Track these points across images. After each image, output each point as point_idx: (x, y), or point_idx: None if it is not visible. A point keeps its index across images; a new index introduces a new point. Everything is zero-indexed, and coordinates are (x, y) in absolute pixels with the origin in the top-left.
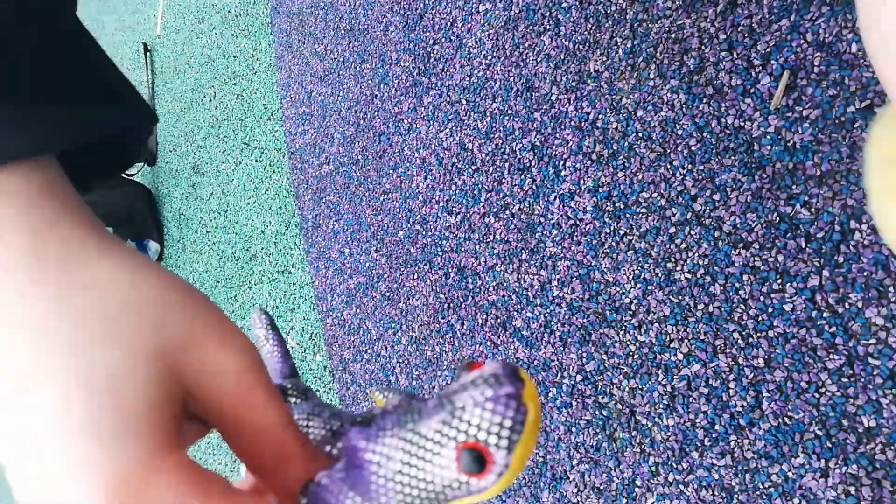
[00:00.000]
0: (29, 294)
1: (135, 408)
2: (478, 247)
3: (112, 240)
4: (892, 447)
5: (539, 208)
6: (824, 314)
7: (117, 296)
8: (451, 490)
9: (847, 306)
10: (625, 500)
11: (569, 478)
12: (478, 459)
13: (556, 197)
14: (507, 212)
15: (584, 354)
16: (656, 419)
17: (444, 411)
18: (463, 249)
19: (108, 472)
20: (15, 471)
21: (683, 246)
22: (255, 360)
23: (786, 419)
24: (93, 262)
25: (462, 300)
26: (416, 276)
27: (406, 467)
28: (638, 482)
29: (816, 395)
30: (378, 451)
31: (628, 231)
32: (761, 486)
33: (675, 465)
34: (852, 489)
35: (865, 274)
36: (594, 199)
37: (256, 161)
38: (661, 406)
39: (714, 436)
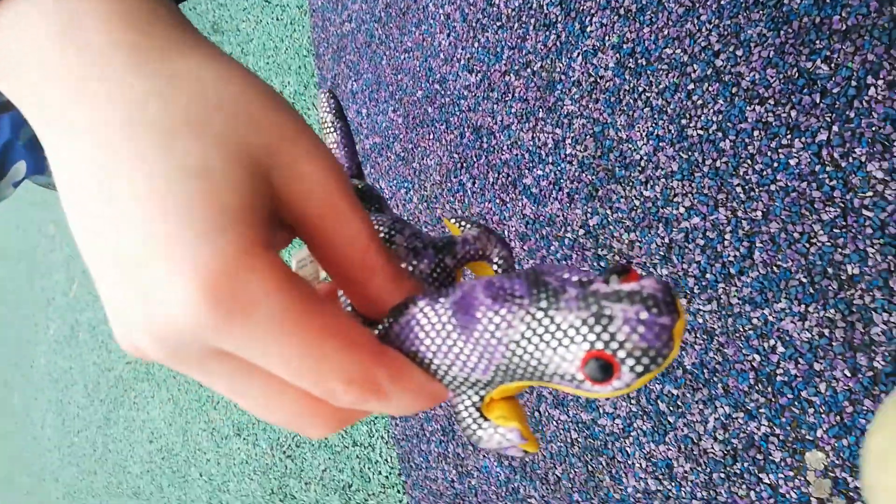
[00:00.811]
0: (129, 77)
1: (230, 201)
2: (496, 106)
3: (203, 38)
4: (870, 293)
5: (561, 65)
6: (827, 168)
7: (215, 88)
8: (559, 378)
9: (851, 160)
10: None
11: None
12: (605, 370)
13: (579, 54)
14: (529, 69)
15: (590, 210)
16: (651, 269)
17: (588, 311)
18: (480, 108)
19: (203, 264)
20: (102, 270)
21: (700, 102)
22: (340, 170)
23: (774, 268)
24: (192, 54)
25: (475, 159)
26: (431, 136)
27: (525, 342)
28: None
29: (807, 246)
30: (501, 315)
31: (647, 88)
32: (741, 329)
33: None
34: (826, 331)
35: (874, 129)
36: (617, 55)
37: (277, 19)
38: (657, 257)
39: (704, 283)
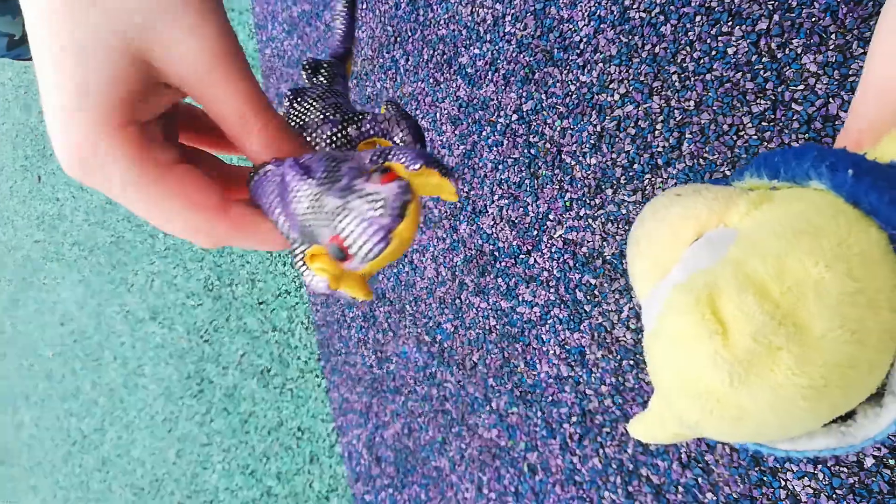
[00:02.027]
0: None
1: (94, 80)
2: None
3: None
4: None
5: None
6: (763, 59)
7: None
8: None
9: (787, 51)
10: (535, 233)
11: (487, 211)
12: (341, 252)
13: None
14: None
15: (524, 94)
16: (580, 158)
17: (341, 200)
18: None
19: (66, 137)
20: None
21: None
22: (221, 48)
23: (701, 160)
24: None
25: (410, 34)
26: (364, 6)
27: (307, 215)
28: (551, 216)
29: (734, 138)
30: (298, 189)
31: None
32: None
33: (588, 202)
34: None
35: (813, 20)
36: None
37: None
38: (587, 146)
39: (631, 174)
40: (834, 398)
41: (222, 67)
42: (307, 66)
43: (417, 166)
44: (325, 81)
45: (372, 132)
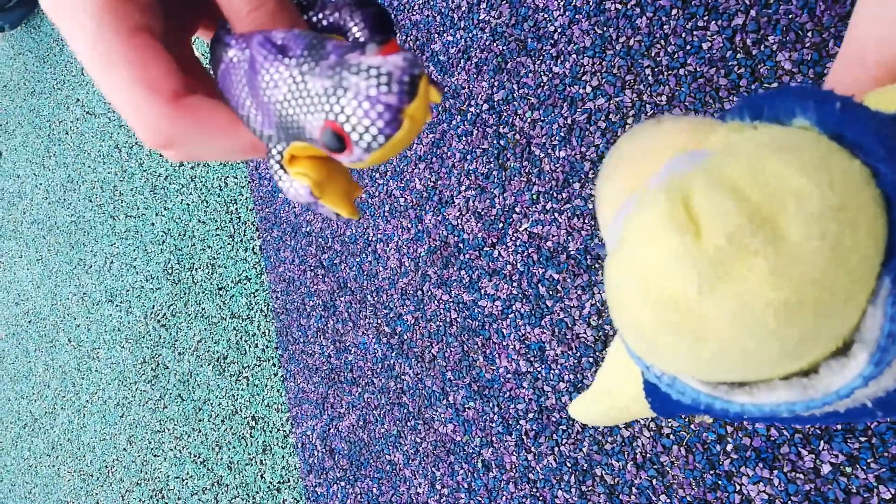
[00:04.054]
0: None
1: None
2: None
3: None
4: None
5: None
6: (738, 55)
7: None
8: (315, 143)
9: (762, 48)
10: (501, 225)
11: (454, 202)
12: (339, 140)
13: None
14: None
15: (496, 83)
16: (549, 150)
17: (331, 80)
18: None
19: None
20: None
21: None
22: None
23: None
24: None
25: None
26: None
27: (286, 103)
28: (517, 209)
29: None
30: (271, 73)
31: None
32: None
33: (555, 195)
34: None
35: (790, 16)
36: None
37: None
38: (557, 138)
39: (600, 169)
40: (805, 323)
41: None
42: None
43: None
44: None
45: (324, 23)
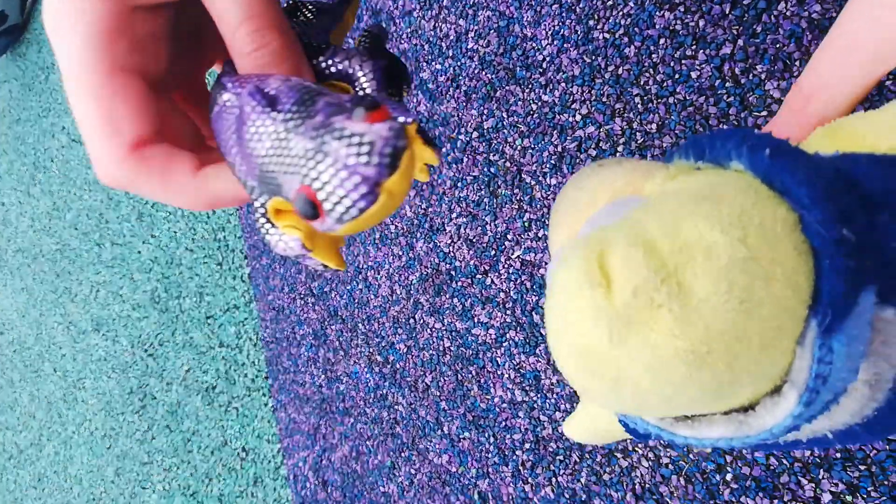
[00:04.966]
0: None
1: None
2: None
3: None
4: None
5: None
6: (727, 84)
7: None
8: (290, 201)
9: (751, 77)
10: (493, 253)
11: (445, 229)
12: (312, 207)
13: None
14: None
15: (486, 111)
16: (540, 178)
17: (314, 142)
18: None
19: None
20: None
21: (610, 3)
22: None
23: None
24: None
25: None
26: None
27: (267, 159)
28: (509, 236)
29: None
30: (257, 126)
31: None
32: None
33: (547, 223)
34: None
35: (778, 46)
36: None
37: None
38: (547, 166)
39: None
40: (717, 369)
41: None
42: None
43: (409, 120)
44: (306, 19)
45: (331, 69)
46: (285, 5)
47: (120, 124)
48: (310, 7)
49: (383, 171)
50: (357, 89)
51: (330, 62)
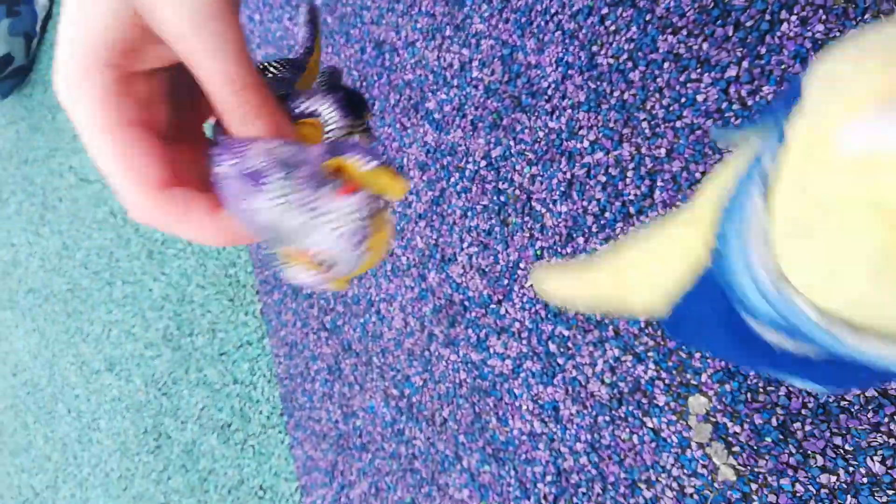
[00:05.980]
0: None
1: (84, 31)
2: (400, 20)
3: None
4: None
5: None
6: (734, 106)
7: None
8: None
9: (757, 99)
10: (506, 282)
11: (457, 260)
12: (316, 266)
13: None
14: None
15: (493, 140)
16: (550, 205)
17: (303, 217)
18: (384, 22)
19: (55, 67)
20: None
21: (613, 28)
22: (206, 17)
23: (673, 208)
24: None
25: (377, 78)
26: (329, 50)
27: (266, 230)
28: (522, 265)
29: None
30: (248, 202)
31: (560, 10)
32: None
33: (559, 250)
34: None
35: (783, 66)
36: None
37: None
38: (557, 193)
39: (602, 223)
40: None
41: (207, 39)
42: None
43: (372, 166)
44: (273, 75)
45: (300, 109)
46: (257, 67)
47: (141, 170)
48: (275, 64)
49: (366, 234)
50: (325, 123)
51: (297, 104)
